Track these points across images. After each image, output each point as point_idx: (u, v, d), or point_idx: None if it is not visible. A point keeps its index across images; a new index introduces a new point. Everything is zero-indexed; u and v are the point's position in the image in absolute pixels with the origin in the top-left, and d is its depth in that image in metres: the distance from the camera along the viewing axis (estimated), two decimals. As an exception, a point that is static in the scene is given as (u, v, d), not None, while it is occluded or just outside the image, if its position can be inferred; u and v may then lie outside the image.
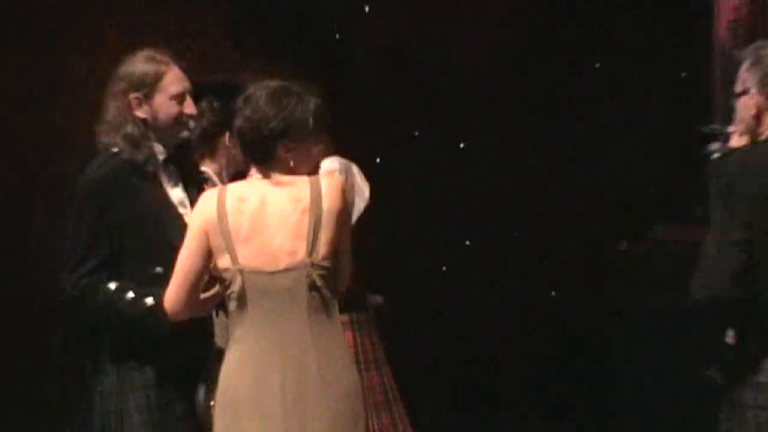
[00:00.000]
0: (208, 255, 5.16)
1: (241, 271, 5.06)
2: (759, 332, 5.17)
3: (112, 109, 5.70)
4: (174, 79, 5.74)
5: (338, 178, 5.91)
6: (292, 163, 5.25)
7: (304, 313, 5.11)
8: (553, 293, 11.97)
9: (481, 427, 11.26)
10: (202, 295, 5.36)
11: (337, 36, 13.83)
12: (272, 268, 5.08)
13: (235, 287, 5.08)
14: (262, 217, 5.12)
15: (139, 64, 5.76)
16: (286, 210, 5.13)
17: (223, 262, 5.10)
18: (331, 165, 7.69)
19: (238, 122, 5.27)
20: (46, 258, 7.15)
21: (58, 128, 9.01)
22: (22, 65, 11.43)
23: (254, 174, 5.29)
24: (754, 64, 5.31)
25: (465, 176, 13.11)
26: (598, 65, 12.78)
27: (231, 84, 10.02)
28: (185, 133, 5.83)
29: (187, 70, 5.86)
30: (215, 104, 7.43)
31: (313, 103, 5.36)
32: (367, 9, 13.77)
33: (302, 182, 5.18)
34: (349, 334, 7.62)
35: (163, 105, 5.72)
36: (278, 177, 5.21)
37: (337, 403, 5.15)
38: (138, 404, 5.57)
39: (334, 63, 13.56)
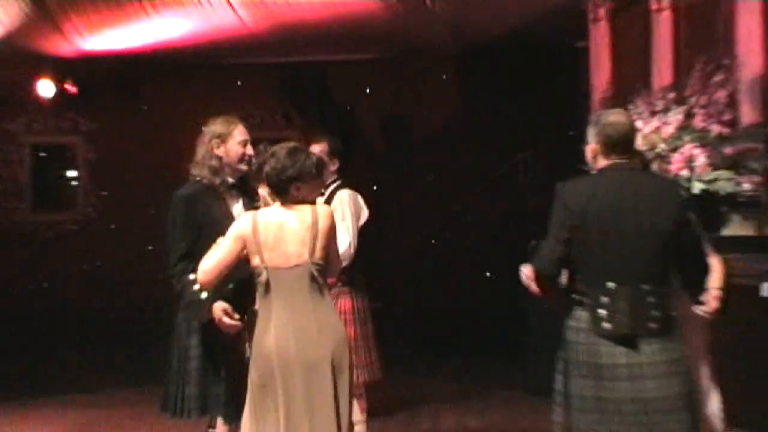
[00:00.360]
0: (238, 254, 5.53)
1: (267, 268, 5.45)
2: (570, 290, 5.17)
3: (201, 152, 6.19)
4: (240, 132, 6.27)
5: (329, 208, 5.72)
6: (300, 197, 5.55)
7: (306, 294, 5.46)
8: (487, 274, 13.19)
9: (435, 364, 11.94)
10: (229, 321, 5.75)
11: (348, 108, 15.42)
12: (287, 265, 5.46)
13: (263, 278, 5.46)
14: (281, 233, 5.47)
15: (218, 123, 6.29)
16: (296, 228, 5.48)
17: (255, 261, 5.48)
18: (342, 193, 7.61)
19: (266, 170, 5.57)
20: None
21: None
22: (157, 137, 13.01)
23: (276, 202, 5.65)
24: (592, 124, 5.25)
25: (431, 197, 14.50)
26: (518, 128, 13.96)
27: (277, 138, 12.05)
28: (246, 167, 6.25)
29: (249, 128, 6.43)
30: (268, 149, 6.48)
31: (315, 158, 5.69)
32: (367, 90, 15.31)
33: (307, 209, 5.53)
34: (349, 300, 7.61)
35: (233, 147, 6.20)
36: (291, 205, 5.54)
37: (330, 348, 5.42)
38: (197, 342, 5.98)
39: (345, 125, 14.69)
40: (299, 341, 5.34)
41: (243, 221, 5.51)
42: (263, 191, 6.73)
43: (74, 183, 16.01)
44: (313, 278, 5.41)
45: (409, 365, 11.61)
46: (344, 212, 7.44)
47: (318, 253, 5.42)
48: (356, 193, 7.65)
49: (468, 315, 12.63)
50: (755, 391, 8.07)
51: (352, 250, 7.40)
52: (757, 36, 10.68)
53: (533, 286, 5.28)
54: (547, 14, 12.82)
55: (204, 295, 5.66)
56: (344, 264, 7.12)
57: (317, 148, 7.47)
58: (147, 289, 13.19)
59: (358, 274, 7.67)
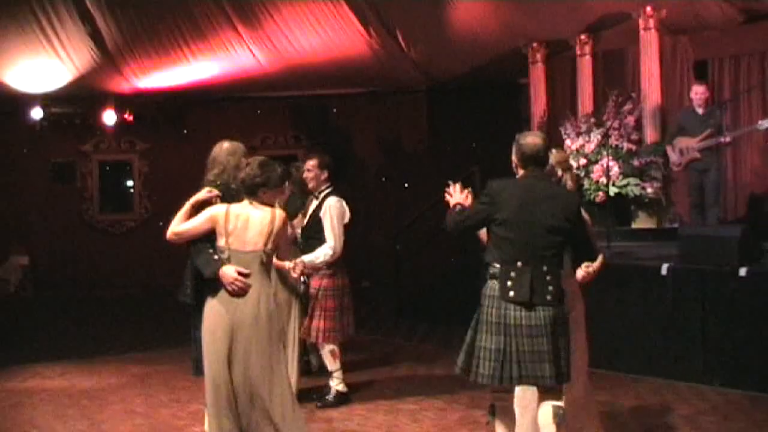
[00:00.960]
0: (206, 230, 5.37)
1: (229, 249, 5.33)
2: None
3: (231, 164, 5.76)
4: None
5: (283, 213, 5.44)
6: (266, 199, 5.41)
7: (258, 274, 5.32)
8: (452, 259, 12.97)
9: (410, 329, 11.59)
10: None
11: (344, 130, 15.37)
12: (245, 249, 5.32)
13: (225, 257, 5.32)
14: (245, 223, 5.34)
15: (239, 146, 5.97)
16: (258, 222, 5.35)
17: (221, 242, 5.34)
18: (331, 200, 7.34)
19: (242, 175, 5.43)
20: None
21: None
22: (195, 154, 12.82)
23: (246, 201, 5.42)
24: (514, 143, 5.22)
25: (407, 198, 14.74)
26: (474, 145, 14.16)
27: (289, 156, 12.11)
28: None
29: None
30: (283, 167, 6.39)
31: (281, 170, 5.53)
32: (358, 116, 15.28)
33: (268, 210, 5.40)
34: (331, 279, 7.40)
35: None
36: (257, 205, 5.39)
37: (264, 319, 5.30)
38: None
39: (342, 144, 14.83)
40: (242, 310, 5.23)
41: (219, 209, 5.36)
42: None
43: (131, 190, 16.14)
44: (262, 263, 5.30)
45: (390, 330, 11.53)
46: (331, 217, 7.25)
47: (270, 245, 5.31)
48: (341, 199, 7.40)
49: (434, 290, 12.48)
50: (657, 347, 8.12)
51: (335, 251, 7.21)
52: (656, 75, 10.97)
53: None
54: (496, 58, 12.93)
55: (217, 257, 5.32)
56: (332, 260, 7.19)
57: (310, 163, 7.46)
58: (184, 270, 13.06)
59: (339, 260, 7.43)
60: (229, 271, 5.23)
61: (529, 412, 5.32)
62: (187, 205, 5.48)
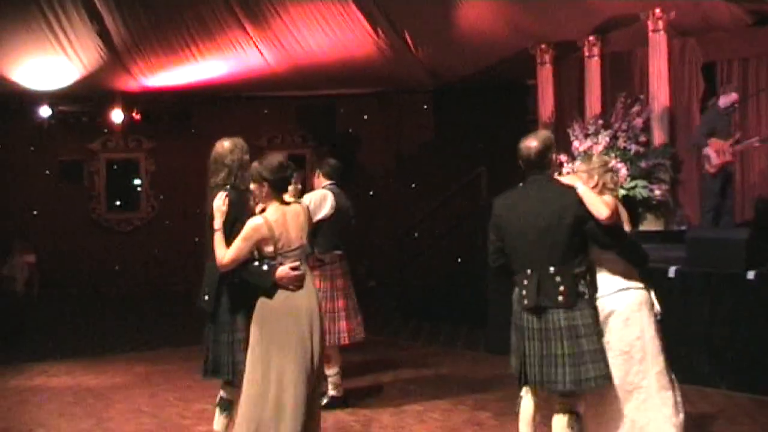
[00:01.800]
0: (256, 245, 5.22)
1: (281, 254, 5.21)
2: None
3: (235, 165, 5.48)
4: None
5: (306, 205, 5.53)
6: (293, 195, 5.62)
7: (305, 266, 5.33)
8: (458, 260, 13.07)
9: (414, 329, 11.75)
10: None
11: (350, 131, 15.39)
12: (292, 247, 5.25)
13: (277, 262, 5.20)
14: (285, 224, 5.24)
15: (238, 141, 5.59)
16: (294, 218, 5.29)
17: (269, 249, 5.20)
18: (314, 193, 7.47)
19: (268, 175, 5.26)
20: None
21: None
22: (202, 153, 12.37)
23: (275, 202, 5.28)
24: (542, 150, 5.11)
25: (413, 199, 14.79)
26: (481, 146, 14.16)
27: (297, 155, 12.07)
28: None
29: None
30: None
31: (293, 168, 5.46)
32: (365, 117, 15.31)
33: (296, 205, 5.42)
34: (342, 280, 7.50)
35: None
36: (284, 202, 5.33)
37: (319, 307, 5.36)
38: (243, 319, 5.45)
39: (349, 144, 14.92)
40: (304, 300, 5.25)
41: (258, 223, 5.19)
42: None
43: (139, 189, 16.15)
44: (306, 256, 5.33)
45: (395, 330, 11.58)
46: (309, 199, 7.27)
47: (306, 236, 5.31)
48: (326, 191, 7.43)
49: (440, 290, 12.47)
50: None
51: None
52: (665, 77, 10.92)
53: None
54: (504, 59, 12.91)
55: (265, 267, 5.20)
56: None
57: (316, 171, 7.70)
58: (193, 270, 12.99)
59: (345, 260, 7.58)
60: (284, 272, 5.17)
61: (524, 417, 5.26)
62: (218, 233, 5.24)
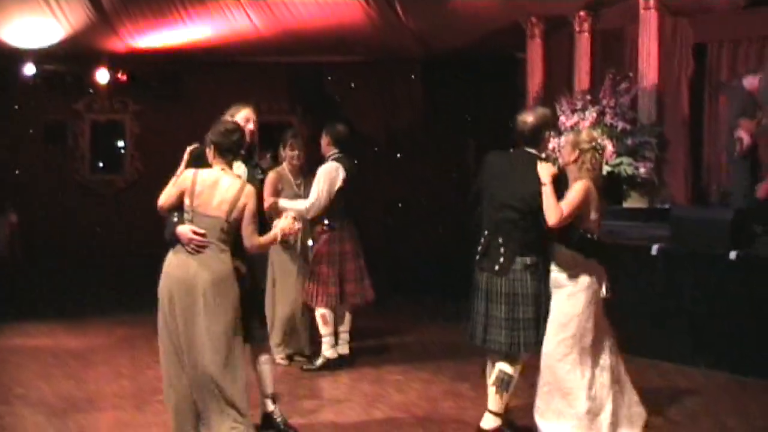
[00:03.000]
0: (180, 195, 5.31)
1: (193, 211, 5.26)
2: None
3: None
4: (243, 113, 5.87)
5: (252, 189, 5.36)
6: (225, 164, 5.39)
7: (216, 242, 5.24)
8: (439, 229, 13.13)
9: (400, 300, 11.54)
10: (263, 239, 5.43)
11: (338, 98, 15.25)
12: (207, 213, 5.23)
13: (188, 218, 5.26)
14: (212, 187, 5.26)
15: (233, 107, 5.89)
16: (225, 189, 5.27)
17: (186, 202, 5.26)
18: (325, 165, 7.64)
19: (213, 138, 5.41)
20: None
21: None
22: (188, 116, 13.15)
23: (217, 167, 5.37)
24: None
25: (401, 170, 14.63)
26: (469, 118, 14.15)
27: (285, 123, 11.96)
28: (247, 139, 5.70)
29: (258, 112, 5.88)
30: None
31: (237, 137, 5.44)
32: (352, 85, 15.21)
33: (239, 181, 5.37)
34: (349, 243, 7.72)
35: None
36: (228, 172, 5.36)
37: (216, 281, 5.24)
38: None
39: (336, 113, 14.25)
40: (197, 270, 5.24)
41: (188, 174, 5.36)
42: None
43: (123, 151, 16.01)
44: (222, 230, 5.24)
45: (380, 302, 11.10)
46: (318, 179, 7.49)
47: (233, 215, 5.23)
48: (339, 165, 7.57)
49: (426, 262, 12.49)
50: (645, 327, 8.08)
51: (310, 208, 7.44)
52: (655, 55, 10.92)
53: None
54: (494, 31, 12.83)
55: (175, 218, 5.33)
56: (309, 216, 7.51)
57: (323, 131, 7.84)
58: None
59: (353, 224, 7.83)
60: (184, 230, 5.22)
61: (491, 378, 5.66)
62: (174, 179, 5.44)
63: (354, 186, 7.76)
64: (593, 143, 5.43)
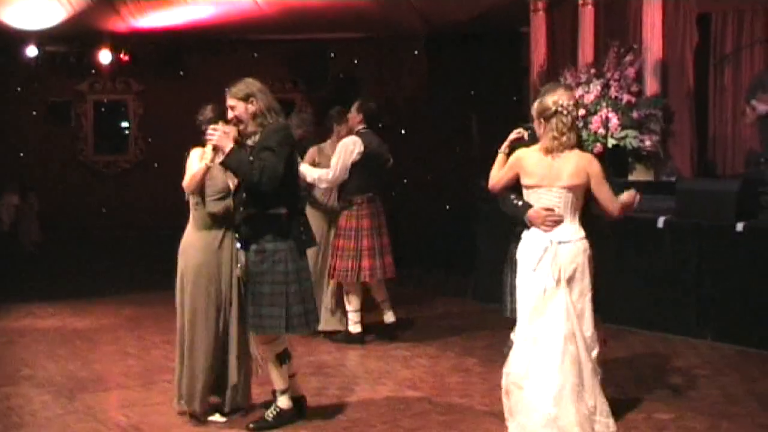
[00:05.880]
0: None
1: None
2: None
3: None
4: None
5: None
6: None
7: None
8: (447, 207, 13.15)
9: (405, 275, 11.51)
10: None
11: (341, 76, 15.18)
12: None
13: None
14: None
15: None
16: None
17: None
18: (345, 139, 7.85)
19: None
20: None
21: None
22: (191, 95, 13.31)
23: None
24: (536, 99, 5.25)
25: (404, 146, 13.74)
26: (473, 93, 14.04)
27: (287, 100, 11.97)
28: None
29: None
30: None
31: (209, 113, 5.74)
32: (356, 62, 15.17)
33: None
34: (367, 220, 7.78)
35: None
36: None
37: None
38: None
39: (341, 90, 14.52)
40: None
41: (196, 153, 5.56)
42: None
43: (126, 132, 16.03)
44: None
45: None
46: (338, 151, 7.69)
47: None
48: (357, 139, 7.76)
49: (431, 236, 12.49)
50: (652, 300, 8.14)
51: (327, 179, 7.68)
52: (659, 27, 10.77)
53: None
54: (497, 5, 12.71)
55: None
56: (323, 186, 7.80)
57: (353, 107, 8.07)
58: (180, 213, 13.09)
59: (376, 201, 7.93)
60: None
61: None
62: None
63: (380, 162, 7.97)
64: (555, 107, 5.08)
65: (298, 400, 5.78)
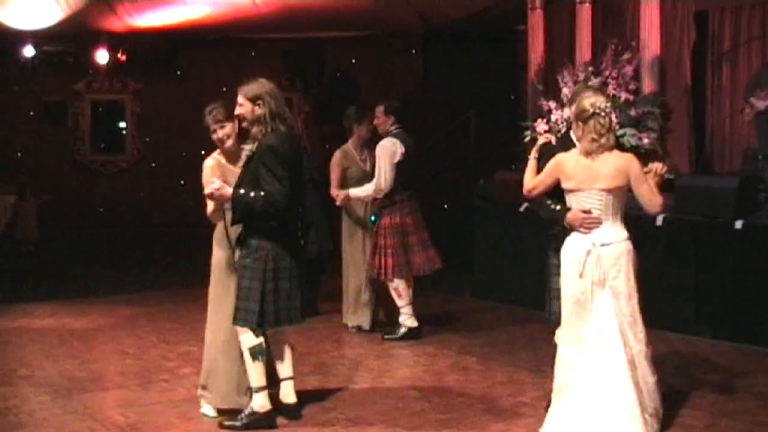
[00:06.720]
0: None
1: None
2: None
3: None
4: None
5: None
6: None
7: None
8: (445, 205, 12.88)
9: None
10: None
11: (338, 74, 15.19)
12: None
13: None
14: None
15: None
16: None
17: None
18: (382, 141, 7.96)
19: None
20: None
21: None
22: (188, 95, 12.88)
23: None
24: (571, 101, 5.42)
25: None
26: (470, 91, 13.84)
27: (284, 98, 11.90)
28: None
29: None
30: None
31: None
32: (353, 60, 15.07)
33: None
34: (410, 217, 7.95)
35: None
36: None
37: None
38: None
39: (337, 88, 14.65)
40: None
41: (210, 162, 5.66)
42: None
43: (124, 131, 16.06)
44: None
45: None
46: (379, 156, 7.83)
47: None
48: (396, 139, 7.91)
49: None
50: (650, 297, 8.06)
51: (378, 188, 7.79)
52: (656, 25, 10.74)
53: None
54: (494, 3, 12.73)
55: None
56: (375, 195, 7.89)
57: (378, 109, 8.14)
58: (178, 212, 13.05)
59: (413, 198, 8.12)
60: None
61: None
62: None
63: (411, 161, 8.04)
64: (593, 109, 5.14)
65: (288, 406, 5.70)
